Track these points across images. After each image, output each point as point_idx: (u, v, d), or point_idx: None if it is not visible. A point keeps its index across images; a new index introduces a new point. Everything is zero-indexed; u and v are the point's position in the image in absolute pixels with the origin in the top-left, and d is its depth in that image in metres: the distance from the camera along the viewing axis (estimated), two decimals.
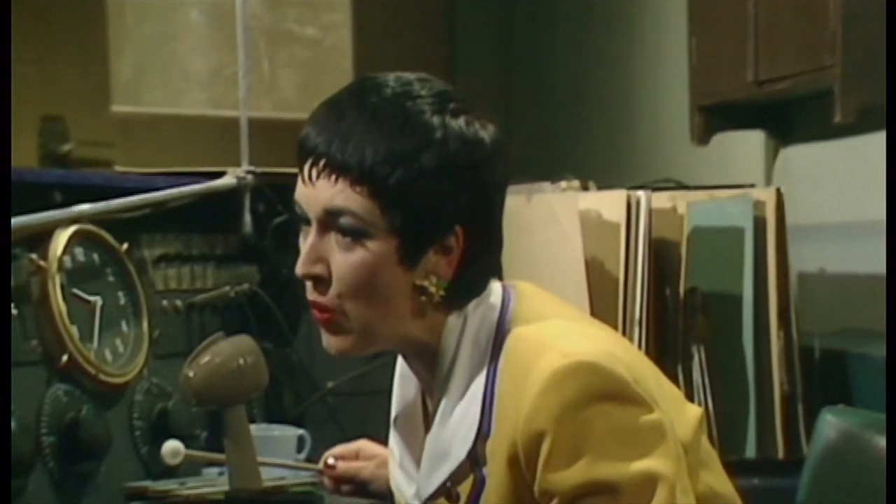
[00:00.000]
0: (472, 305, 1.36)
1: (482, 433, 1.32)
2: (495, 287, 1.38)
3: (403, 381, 1.46)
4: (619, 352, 1.33)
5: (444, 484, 1.35)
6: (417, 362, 1.40)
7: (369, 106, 1.30)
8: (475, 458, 1.33)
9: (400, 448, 1.45)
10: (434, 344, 1.35)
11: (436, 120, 1.30)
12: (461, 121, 1.32)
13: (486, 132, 1.33)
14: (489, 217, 1.35)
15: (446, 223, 1.32)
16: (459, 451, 1.33)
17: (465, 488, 1.34)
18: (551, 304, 1.40)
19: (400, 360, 1.45)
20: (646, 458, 1.26)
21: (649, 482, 1.25)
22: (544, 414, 1.26)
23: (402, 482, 1.44)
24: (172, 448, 1.93)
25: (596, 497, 1.26)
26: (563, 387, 1.27)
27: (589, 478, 1.25)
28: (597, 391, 1.27)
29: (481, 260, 1.35)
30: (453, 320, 1.35)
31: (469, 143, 1.31)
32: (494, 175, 1.34)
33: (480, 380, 1.33)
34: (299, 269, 1.34)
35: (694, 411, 1.41)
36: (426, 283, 1.32)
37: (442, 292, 1.33)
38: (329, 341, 1.36)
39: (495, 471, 1.31)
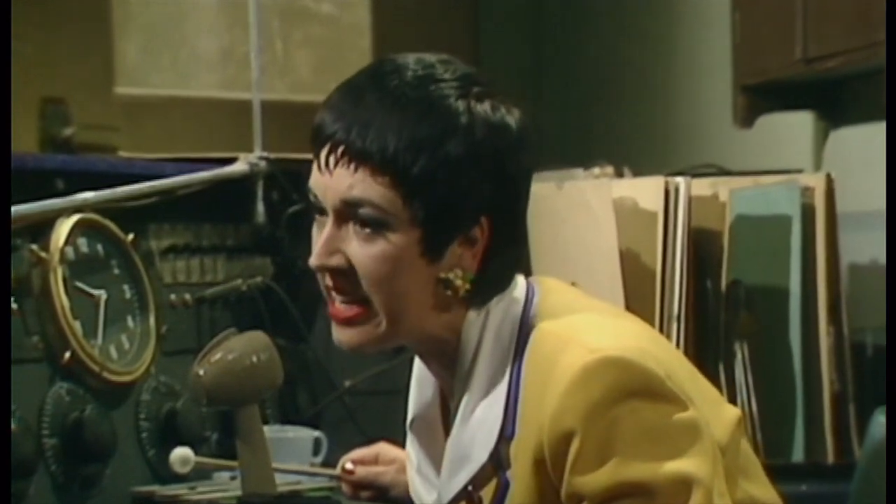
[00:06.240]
0: (494, 299, 1.36)
1: (505, 434, 1.33)
2: (519, 281, 1.39)
3: (421, 383, 1.46)
4: (649, 346, 1.33)
5: (465, 488, 1.35)
6: (436, 362, 1.40)
7: (390, 90, 1.30)
8: (498, 461, 1.33)
9: (418, 453, 1.45)
10: (455, 341, 1.36)
11: (460, 105, 1.30)
12: (486, 105, 1.32)
13: (512, 117, 1.34)
14: (515, 207, 1.35)
15: (471, 214, 1.32)
16: (481, 454, 1.33)
17: (487, 493, 1.34)
18: (577, 299, 1.40)
19: (417, 362, 1.45)
20: (680, 458, 1.26)
21: (684, 485, 1.25)
22: (571, 413, 1.27)
23: (421, 489, 1.44)
24: (182, 456, 1.94)
25: (628, 499, 1.26)
26: (590, 384, 1.27)
27: (619, 479, 1.25)
28: (626, 388, 1.27)
29: (507, 252, 1.35)
30: (474, 314, 1.35)
31: (495, 130, 1.32)
32: (521, 163, 1.34)
33: (504, 378, 1.34)
34: (314, 260, 1.34)
35: (732, 412, 1.40)
36: (451, 277, 1.33)
37: (468, 286, 1.33)
38: (342, 335, 1.35)
39: (520, 474, 1.31)
